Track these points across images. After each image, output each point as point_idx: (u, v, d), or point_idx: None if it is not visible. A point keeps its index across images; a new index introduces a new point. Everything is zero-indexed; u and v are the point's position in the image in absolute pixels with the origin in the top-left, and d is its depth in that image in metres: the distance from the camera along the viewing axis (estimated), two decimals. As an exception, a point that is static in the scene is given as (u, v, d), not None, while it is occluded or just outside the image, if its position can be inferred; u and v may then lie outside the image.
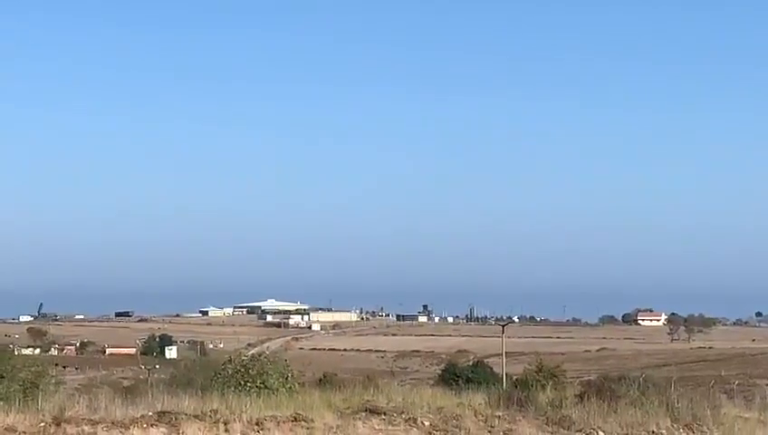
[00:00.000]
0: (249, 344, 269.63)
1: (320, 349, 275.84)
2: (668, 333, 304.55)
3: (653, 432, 40.93)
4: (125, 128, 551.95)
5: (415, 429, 38.65)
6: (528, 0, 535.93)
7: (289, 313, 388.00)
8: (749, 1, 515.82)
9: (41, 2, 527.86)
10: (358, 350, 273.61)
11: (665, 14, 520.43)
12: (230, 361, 50.07)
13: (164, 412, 36.71)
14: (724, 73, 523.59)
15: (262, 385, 46.40)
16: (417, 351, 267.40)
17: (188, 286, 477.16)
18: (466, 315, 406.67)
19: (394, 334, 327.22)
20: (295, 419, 37.64)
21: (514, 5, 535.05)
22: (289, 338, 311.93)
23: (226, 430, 36.49)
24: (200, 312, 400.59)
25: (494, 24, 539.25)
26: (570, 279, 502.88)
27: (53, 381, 49.40)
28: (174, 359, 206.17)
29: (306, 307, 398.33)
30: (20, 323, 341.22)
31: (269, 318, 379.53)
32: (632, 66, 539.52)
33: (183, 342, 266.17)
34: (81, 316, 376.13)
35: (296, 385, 47.96)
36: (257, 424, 37.01)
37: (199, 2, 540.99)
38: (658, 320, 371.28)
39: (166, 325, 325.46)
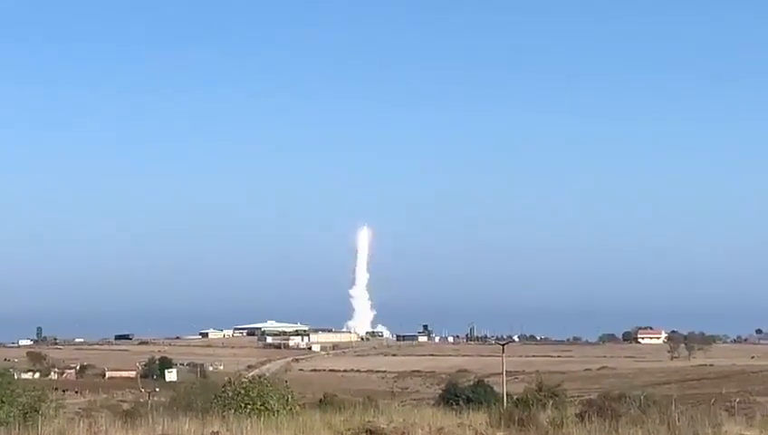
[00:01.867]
0: (249, 366, 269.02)
1: (320, 370, 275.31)
2: (668, 351, 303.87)
3: (654, 451, 40.88)
4: (121, 149, 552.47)
5: (416, 449, 38.62)
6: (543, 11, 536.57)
7: (289, 334, 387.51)
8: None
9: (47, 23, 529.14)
10: (358, 370, 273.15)
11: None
12: (230, 383, 50.07)
13: (164, 435, 36.69)
14: (726, 82, 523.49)
15: (262, 407, 46.39)
16: (418, 371, 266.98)
17: (188, 308, 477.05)
18: (466, 335, 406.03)
19: (394, 355, 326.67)
20: (296, 440, 37.61)
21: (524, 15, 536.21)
22: (289, 359, 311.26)
23: (227, 453, 36.48)
24: (200, 334, 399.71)
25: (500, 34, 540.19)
26: (570, 298, 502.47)
27: (53, 405, 49.33)
28: (174, 382, 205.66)
29: (306, 328, 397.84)
30: (19, 347, 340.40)
31: (269, 339, 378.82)
32: (629, 77, 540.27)
33: (183, 364, 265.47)
34: (81, 340, 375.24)
35: (297, 407, 47.95)
36: (258, 446, 36.99)
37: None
38: (658, 338, 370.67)
39: (166, 348, 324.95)
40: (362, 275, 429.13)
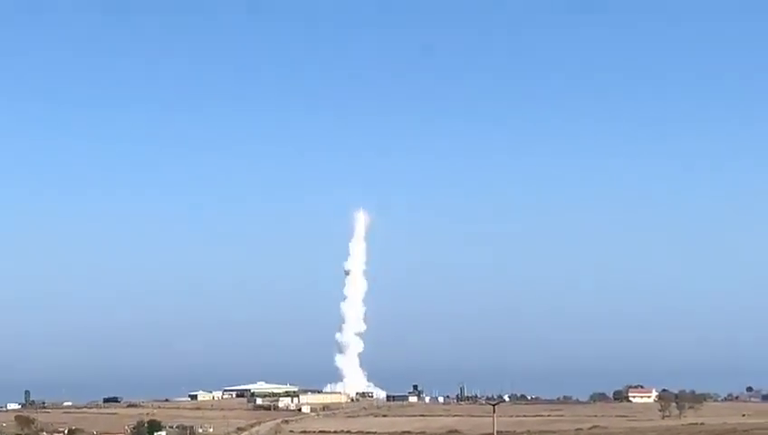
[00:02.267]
0: (239, 428, 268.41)
1: (310, 431, 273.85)
2: (660, 410, 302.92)
3: None
4: (107, 209, 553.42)
5: None
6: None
7: (279, 395, 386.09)
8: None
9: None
10: (348, 431, 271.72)
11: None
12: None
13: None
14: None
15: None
16: (408, 432, 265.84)
17: (177, 371, 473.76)
18: (457, 395, 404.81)
19: (384, 415, 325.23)
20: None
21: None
22: (279, 421, 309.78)
23: None
24: (189, 396, 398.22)
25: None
26: (560, 357, 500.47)
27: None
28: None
29: (296, 389, 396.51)
30: (7, 410, 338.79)
31: (259, 401, 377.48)
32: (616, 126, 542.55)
33: (172, 427, 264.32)
34: (70, 403, 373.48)
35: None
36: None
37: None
38: (649, 396, 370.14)
39: (155, 410, 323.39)
40: (353, 339, 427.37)
